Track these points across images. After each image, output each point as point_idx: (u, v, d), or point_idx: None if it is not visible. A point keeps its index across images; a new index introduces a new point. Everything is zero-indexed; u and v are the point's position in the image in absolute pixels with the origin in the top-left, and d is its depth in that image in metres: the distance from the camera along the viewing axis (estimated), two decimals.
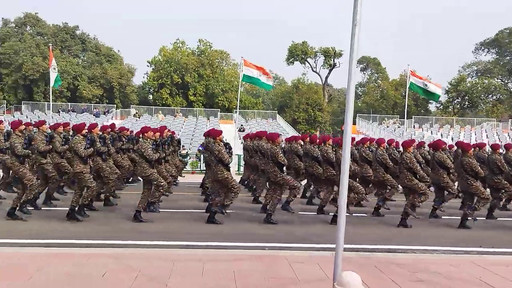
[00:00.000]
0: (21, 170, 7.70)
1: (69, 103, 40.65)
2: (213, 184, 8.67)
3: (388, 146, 10.06)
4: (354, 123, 35.83)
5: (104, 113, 37.55)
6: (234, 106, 40.93)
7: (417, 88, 26.23)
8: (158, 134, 9.29)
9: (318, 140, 10.36)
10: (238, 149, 18.80)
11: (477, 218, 8.62)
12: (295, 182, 8.77)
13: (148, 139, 8.10)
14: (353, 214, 9.01)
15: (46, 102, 37.59)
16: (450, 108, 49.81)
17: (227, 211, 8.40)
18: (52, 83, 24.20)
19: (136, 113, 38.09)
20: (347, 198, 8.20)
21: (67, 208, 7.87)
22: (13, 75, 42.32)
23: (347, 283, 3.55)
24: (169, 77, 45.32)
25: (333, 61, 49.85)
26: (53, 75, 24.04)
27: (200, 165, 20.95)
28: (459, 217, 8.75)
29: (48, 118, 29.49)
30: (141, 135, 8.33)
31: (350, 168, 8.29)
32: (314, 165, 9.80)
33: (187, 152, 21.53)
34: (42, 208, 8.81)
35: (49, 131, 9.23)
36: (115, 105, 41.71)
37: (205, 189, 10.85)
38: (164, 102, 44.46)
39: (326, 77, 52.28)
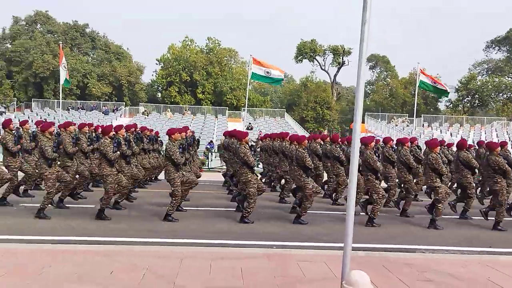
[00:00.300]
0: (46, 173, 7.73)
1: (79, 101, 40.99)
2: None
3: (410, 145, 9.80)
4: (363, 121, 35.64)
5: (113, 111, 37.79)
6: (242, 104, 40.94)
7: (426, 85, 26.16)
8: (183, 134, 9.07)
9: (340, 139, 10.40)
10: None
11: (489, 218, 8.59)
12: (316, 189, 8.14)
13: (176, 141, 7.94)
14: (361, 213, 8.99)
15: (56, 100, 37.96)
16: (460, 107, 49.20)
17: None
18: (62, 81, 24.36)
19: (145, 111, 38.28)
20: (372, 199, 8.23)
21: (78, 206, 7.87)
22: (23, 73, 42.80)
23: (356, 282, 3.52)
24: (178, 75, 45.49)
25: (342, 59, 49.67)
26: (63, 73, 24.20)
27: (208, 163, 21.01)
28: (465, 217, 9.13)
29: (57, 115, 29.78)
30: (168, 137, 8.06)
31: (380, 171, 8.29)
32: (335, 165, 9.75)
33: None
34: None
35: (56, 130, 9.32)
36: (124, 103, 42.03)
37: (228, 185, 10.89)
38: (172, 100, 44.66)
39: (335, 75, 52.16)
